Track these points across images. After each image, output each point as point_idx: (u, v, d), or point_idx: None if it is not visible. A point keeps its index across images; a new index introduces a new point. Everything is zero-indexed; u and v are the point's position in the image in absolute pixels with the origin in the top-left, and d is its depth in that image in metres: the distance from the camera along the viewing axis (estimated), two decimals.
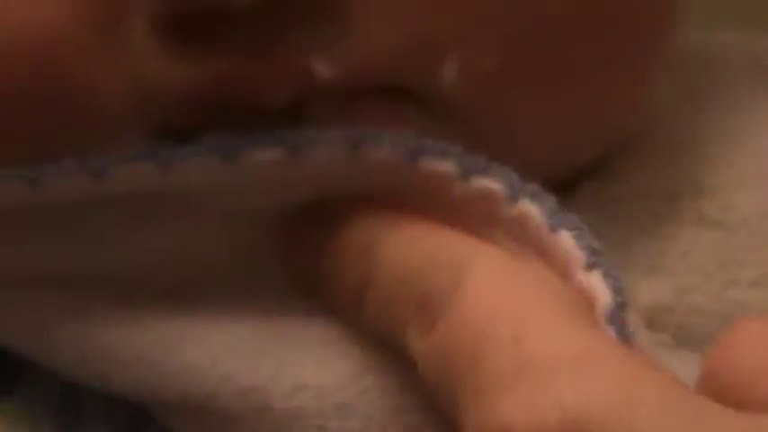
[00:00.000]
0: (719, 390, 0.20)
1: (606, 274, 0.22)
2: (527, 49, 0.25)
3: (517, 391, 0.19)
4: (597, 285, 0.22)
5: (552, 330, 0.20)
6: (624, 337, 0.22)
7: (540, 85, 0.26)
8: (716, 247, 0.28)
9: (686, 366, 0.22)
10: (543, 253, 0.23)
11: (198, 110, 0.23)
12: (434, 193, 0.23)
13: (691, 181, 0.29)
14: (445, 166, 0.23)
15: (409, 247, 0.22)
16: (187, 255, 0.24)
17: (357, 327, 0.24)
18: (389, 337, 0.23)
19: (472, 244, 0.22)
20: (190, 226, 0.24)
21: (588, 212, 0.27)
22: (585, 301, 0.22)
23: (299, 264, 0.24)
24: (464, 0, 0.24)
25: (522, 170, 0.23)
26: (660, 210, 0.29)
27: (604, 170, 0.29)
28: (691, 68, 0.32)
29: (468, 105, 0.25)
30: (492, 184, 0.23)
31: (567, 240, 0.22)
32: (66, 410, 0.26)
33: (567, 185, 0.27)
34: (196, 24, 0.22)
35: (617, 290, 0.22)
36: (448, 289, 0.21)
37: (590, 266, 0.22)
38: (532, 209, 0.23)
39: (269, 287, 0.25)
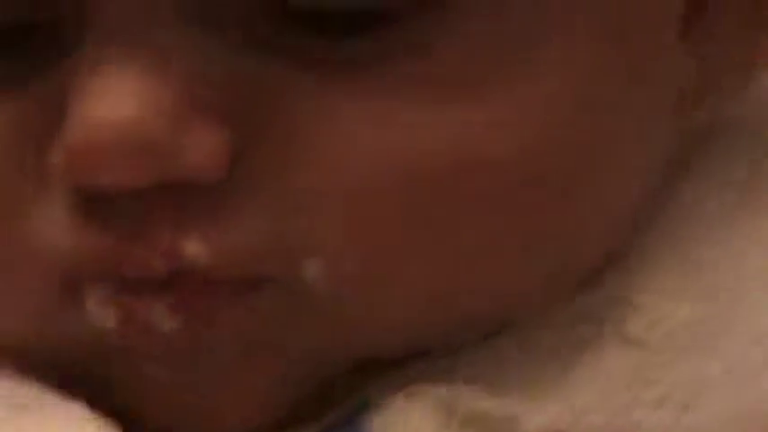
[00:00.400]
0: None
1: None
2: (391, 251, 0.26)
3: None
4: None
5: None
6: None
7: (410, 274, 0.26)
8: (630, 366, 0.28)
9: None
10: None
11: (86, 273, 0.26)
12: None
13: (621, 300, 0.29)
14: None
15: None
16: None
17: None
18: None
19: None
20: None
21: (512, 342, 0.29)
22: None
23: None
24: (322, 209, 0.25)
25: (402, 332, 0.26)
26: (583, 335, 0.29)
27: None
28: None
29: (331, 293, 0.26)
30: None
31: None
32: None
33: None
34: (95, 203, 0.25)
35: None
36: None
37: None
38: None
39: None
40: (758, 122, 0.33)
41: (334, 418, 0.28)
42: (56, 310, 0.27)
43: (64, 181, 0.25)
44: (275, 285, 0.26)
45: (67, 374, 0.28)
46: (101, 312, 0.26)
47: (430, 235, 0.25)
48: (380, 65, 0.25)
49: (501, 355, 0.28)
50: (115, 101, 0.24)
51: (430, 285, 0.26)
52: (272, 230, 0.25)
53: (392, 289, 0.26)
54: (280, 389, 0.28)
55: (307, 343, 0.27)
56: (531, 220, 0.27)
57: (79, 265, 0.26)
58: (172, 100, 0.24)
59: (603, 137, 0.27)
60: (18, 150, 0.26)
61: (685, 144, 0.31)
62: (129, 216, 0.25)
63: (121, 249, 0.25)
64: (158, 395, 0.28)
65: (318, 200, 0.25)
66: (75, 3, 0.25)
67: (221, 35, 0.25)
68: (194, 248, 0.25)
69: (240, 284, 0.26)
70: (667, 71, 0.29)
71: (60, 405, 0.27)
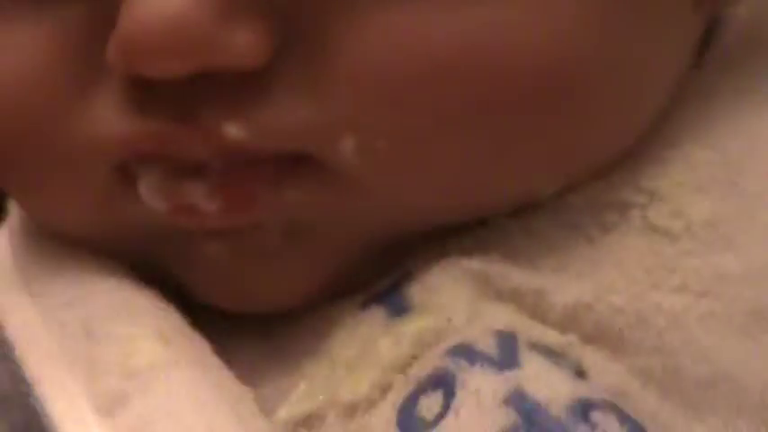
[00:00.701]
0: None
1: None
2: (419, 134, 0.27)
3: None
4: None
5: None
6: None
7: (437, 159, 0.28)
8: (653, 253, 0.29)
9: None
10: None
11: (139, 156, 0.28)
12: None
13: (645, 188, 0.30)
14: None
15: None
16: None
17: None
18: None
19: None
20: None
21: (543, 219, 0.30)
22: None
23: None
24: (357, 93, 0.26)
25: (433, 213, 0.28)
26: (609, 219, 0.30)
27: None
28: None
29: (364, 173, 0.28)
30: None
31: None
32: None
33: None
34: (145, 91, 0.27)
35: None
36: None
37: None
38: None
39: None
40: None
41: (379, 287, 0.30)
42: (114, 196, 0.30)
43: (117, 72, 0.27)
44: (313, 164, 0.27)
45: (135, 257, 0.31)
46: (152, 196, 0.29)
47: (455, 120, 0.27)
48: None
49: (533, 232, 0.30)
50: (148, 9, 0.25)
51: (455, 168, 0.28)
52: (309, 112, 0.27)
53: (419, 169, 0.27)
54: (323, 265, 0.30)
55: (345, 221, 0.29)
56: (552, 114, 0.28)
57: (131, 150, 0.28)
58: (213, 6, 0.26)
59: (623, 35, 0.28)
60: (79, 49, 0.28)
61: (714, 37, 0.32)
62: (177, 101, 0.27)
63: (168, 132, 0.27)
64: (211, 274, 0.30)
65: (352, 85, 0.26)
66: None
67: None
68: (235, 129, 0.27)
69: (279, 163, 0.28)
70: None
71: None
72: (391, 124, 0.27)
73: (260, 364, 0.31)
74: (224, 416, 0.27)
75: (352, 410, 0.28)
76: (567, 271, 0.29)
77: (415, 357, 0.28)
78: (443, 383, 0.27)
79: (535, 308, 0.29)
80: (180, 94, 0.27)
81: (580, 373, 0.28)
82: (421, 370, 0.28)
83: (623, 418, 0.26)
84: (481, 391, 0.26)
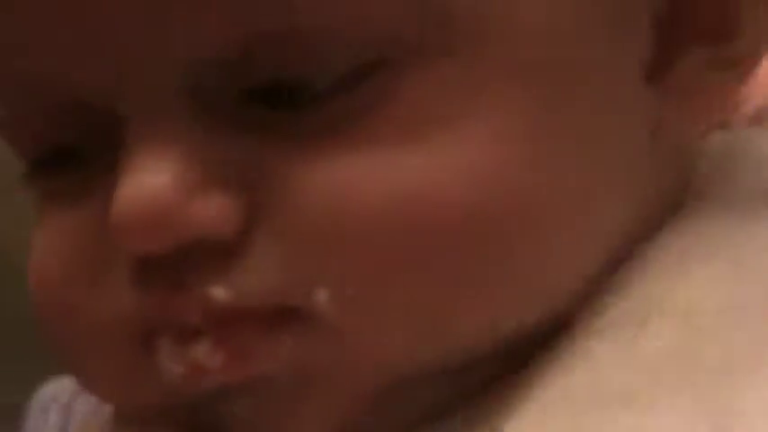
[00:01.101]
0: None
1: None
2: (378, 280, 0.29)
3: None
4: None
5: None
6: None
7: (400, 301, 0.29)
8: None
9: None
10: None
11: (150, 327, 0.31)
12: None
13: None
14: None
15: None
16: None
17: None
18: None
19: None
20: None
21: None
22: None
23: None
24: (315, 248, 0.29)
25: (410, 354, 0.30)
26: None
27: None
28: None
29: (342, 320, 0.29)
30: None
31: None
32: None
33: None
34: (144, 265, 0.30)
35: None
36: None
37: None
38: None
39: None
40: None
41: None
42: (141, 368, 0.31)
43: (121, 251, 0.30)
44: (299, 316, 0.29)
45: (176, 427, 0.33)
46: (169, 364, 0.30)
47: (404, 264, 0.29)
48: (345, 124, 0.29)
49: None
50: (139, 184, 0.29)
51: (417, 310, 0.29)
52: (282, 270, 0.29)
53: (387, 312, 0.29)
54: (339, 413, 0.31)
55: (342, 368, 0.30)
56: (492, 253, 0.29)
57: (142, 322, 0.31)
58: (183, 178, 0.29)
59: (560, 168, 0.30)
60: (98, 234, 0.31)
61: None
62: (170, 272, 0.30)
63: (165, 301, 0.30)
64: (242, 430, 0.32)
65: (310, 241, 0.29)
66: (106, 123, 0.30)
67: (217, 120, 0.29)
68: (221, 293, 0.29)
69: (269, 317, 0.30)
70: (627, 120, 0.32)
71: None
72: (353, 273, 0.29)
73: None
74: None
75: None
76: None
77: None
78: None
79: None
80: (173, 264, 0.29)
81: None
82: None
83: None
84: None
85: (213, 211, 0.28)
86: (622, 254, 0.32)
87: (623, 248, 0.32)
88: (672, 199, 0.33)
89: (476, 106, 0.29)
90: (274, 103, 0.29)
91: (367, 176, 0.28)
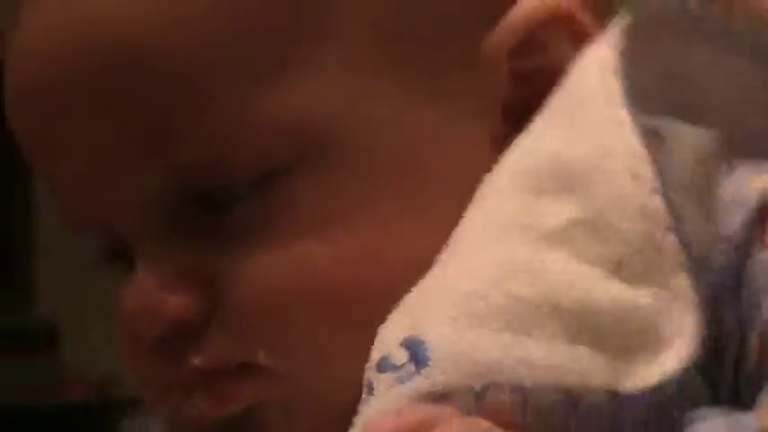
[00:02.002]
0: None
1: None
2: (294, 340, 0.39)
3: None
4: None
5: None
6: None
7: (314, 350, 0.39)
8: None
9: None
10: None
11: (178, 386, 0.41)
12: None
13: None
14: None
15: None
16: None
17: None
18: None
19: None
20: None
21: None
22: None
23: None
24: (245, 322, 0.39)
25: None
26: None
27: None
28: None
29: (282, 368, 0.39)
30: None
31: None
32: None
33: None
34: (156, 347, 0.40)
35: None
36: None
37: None
38: None
39: None
40: None
41: None
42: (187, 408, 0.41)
43: None
44: (251, 369, 0.39)
45: None
46: (187, 408, 0.40)
47: (308, 326, 0.38)
48: (258, 224, 0.39)
49: None
50: (130, 291, 0.40)
51: (321, 353, 0.39)
52: (233, 339, 0.39)
53: (303, 358, 0.39)
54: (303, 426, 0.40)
55: (301, 401, 0.39)
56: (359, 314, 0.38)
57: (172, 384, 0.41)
58: (158, 284, 0.39)
59: (399, 267, 0.38)
60: None
61: None
62: (170, 350, 0.40)
63: (169, 370, 0.40)
64: None
65: (247, 318, 0.39)
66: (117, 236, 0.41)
67: (177, 233, 0.40)
68: (197, 360, 0.39)
69: (233, 373, 0.39)
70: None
71: None
72: (274, 336, 0.39)
73: None
74: None
75: None
76: None
77: None
78: None
79: None
80: (169, 343, 0.40)
81: None
82: None
83: None
84: None
85: (181, 304, 0.39)
86: None
87: None
88: None
89: (342, 207, 0.39)
90: (210, 210, 0.40)
91: (274, 268, 0.39)
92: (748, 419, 0.32)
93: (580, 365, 0.33)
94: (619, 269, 0.35)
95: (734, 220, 0.36)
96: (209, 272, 0.39)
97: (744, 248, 0.36)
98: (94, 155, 0.40)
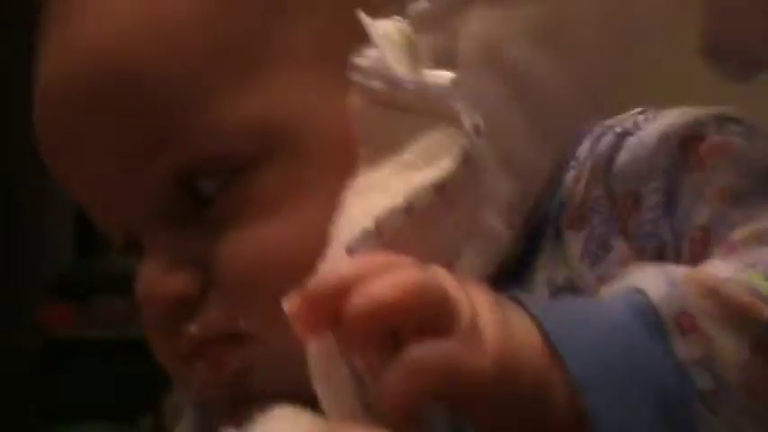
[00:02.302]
0: None
1: None
2: (269, 309, 0.42)
3: None
4: None
5: None
6: None
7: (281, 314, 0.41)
8: None
9: None
10: None
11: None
12: None
13: None
14: None
15: None
16: None
17: None
18: None
19: None
20: None
21: None
22: None
23: None
24: (229, 296, 0.48)
25: None
26: None
27: None
28: None
29: (263, 335, 0.47)
30: None
31: None
32: None
33: None
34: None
35: None
36: None
37: None
38: None
39: None
40: None
41: None
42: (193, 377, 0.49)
43: None
44: (238, 337, 0.47)
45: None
46: (193, 373, 0.49)
47: (274, 298, 0.40)
48: (234, 211, 0.47)
49: None
50: (140, 276, 0.49)
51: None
52: (221, 311, 0.47)
53: (276, 323, 0.40)
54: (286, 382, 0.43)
55: (269, 359, 0.47)
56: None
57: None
58: (161, 268, 0.48)
59: None
60: None
61: None
62: (173, 323, 0.48)
63: (176, 341, 0.48)
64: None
65: (230, 291, 0.47)
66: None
67: (176, 224, 0.48)
68: (193, 328, 0.48)
69: (224, 340, 0.48)
70: None
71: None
72: (252, 306, 0.47)
73: None
74: None
75: None
76: None
77: None
78: None
79: None
80: (175, 316, 0.48)
81: None
82: None
83: None
84: None
85: (178, 284, 0.48)
86: None
87: None
88: None
89: (295, 193, 0.47)
90: (198, 204, 0.48)
91: (246, 246, 0.47)
92: (679, 269, 0.39)
93: None
94: None
95: (661, 154, 0.45)
96: (201, 255, 0.48)
97: (673, 174, 0.45)
98: (98, 165, 0.49)
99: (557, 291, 0.45)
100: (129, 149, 0.47)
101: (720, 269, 0.38)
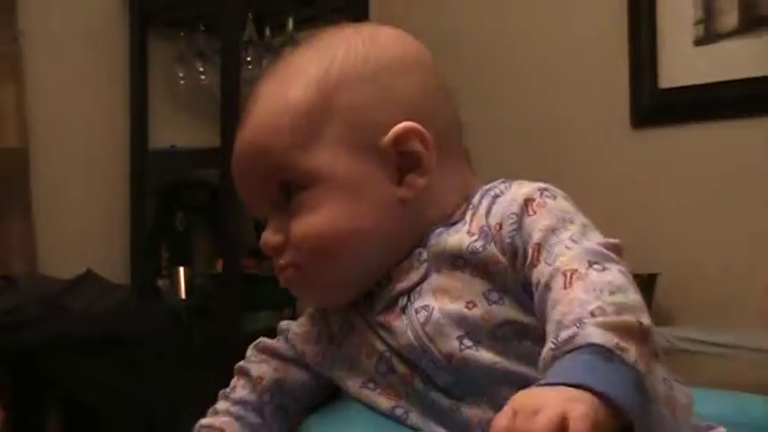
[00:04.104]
0: None
1: None
2: (311, 260, 0.99)
3: None
4: None
5: None
6: None
7: (324, 265, 1.01)
8: None
9: None
10: None
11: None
12: None
13: None
14: None
15: None
16: None
17: None
18: None
19: None
20: None
21: None
22: None
23: None
24: (297, 251, 0.99)
25: None
26: None
27: None
28: None
29: (303, 263, 1.00)
30: None
31: None
32: None
33: None
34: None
35: None
36: None
37: None
38: None
39: None
40: None
41: None
42: (284, 277, 1.01)
43: None
44: (298, 264, 0.97)
45: None
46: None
47: (317, 252, 0.95)
48: (299, 206, 0.95)
49: None
50: (262, 237, 0.99)
51: (326, 267, 0.96)
52: (289, 256, 0.97)
53: (317, 267, 0.96)
54: (320, 296, 1.01)
55: (309, 278, 0.97)
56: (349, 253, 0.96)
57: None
58: (269, 233, 0.98)
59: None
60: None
61: None
62: (274, 257, 0.99)
63: (276, 264, 0.99)
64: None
65: (295, 248, 0.96)
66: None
67: (277, 210, 0.97)
68: (281, 261, 0.98)
69: (293, 265, 0.97)
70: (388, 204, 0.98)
71: None
72: (303, 255, 0.96)
73: None
74: None
75: None
76: None
77: None
78: None
79: None
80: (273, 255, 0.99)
81: None
82: None
83: None
84: None
85: (275, 241, 0.97)
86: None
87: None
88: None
89: (324, 202, 0.94)
90: (288, 200, 0.96)
91: (301, 228, 0.95)
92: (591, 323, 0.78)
93: None
94: None
95: (515, 206, 0.90)
96: (286, 226, 0.95)
97: (520, 215, 0.89)
98: (252, 185, 0.98)
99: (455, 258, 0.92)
100: (263, 177, 0.96)
101: (585, 300, 0.78)
